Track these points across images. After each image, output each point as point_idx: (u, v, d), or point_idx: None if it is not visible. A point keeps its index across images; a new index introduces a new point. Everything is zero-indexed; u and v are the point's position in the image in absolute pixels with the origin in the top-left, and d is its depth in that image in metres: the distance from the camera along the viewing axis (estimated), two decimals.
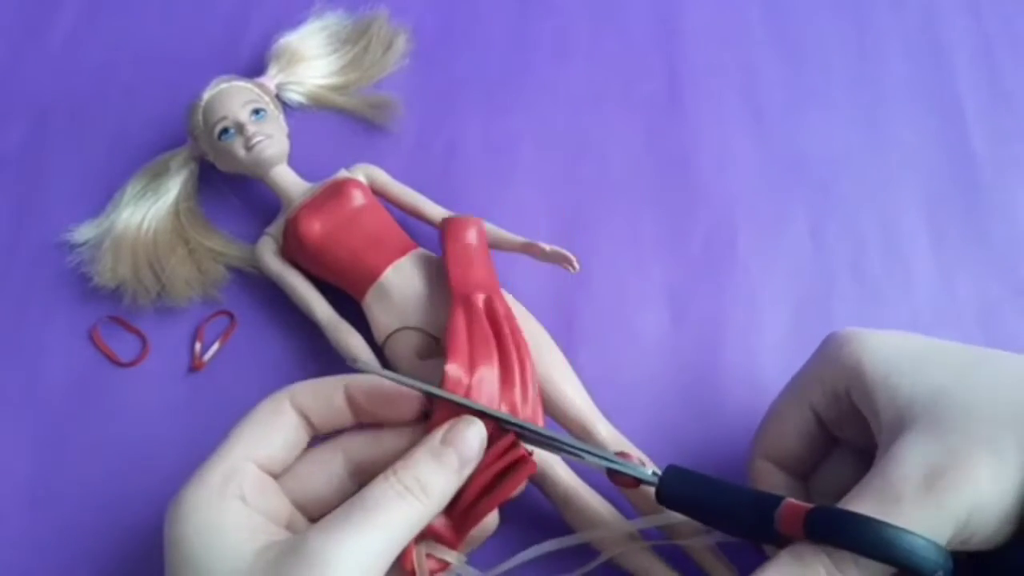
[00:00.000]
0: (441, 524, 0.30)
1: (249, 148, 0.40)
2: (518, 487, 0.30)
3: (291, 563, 0.25)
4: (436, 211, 0.41)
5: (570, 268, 0.38)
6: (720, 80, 0.47)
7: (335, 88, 0.46)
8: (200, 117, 0.41)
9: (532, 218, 0.43)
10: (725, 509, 0.29)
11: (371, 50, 0.47)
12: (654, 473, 0.30)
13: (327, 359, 0.39)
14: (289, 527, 0.29)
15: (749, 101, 0.47)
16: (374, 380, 0.30)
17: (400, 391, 0.30)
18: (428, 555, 0.30)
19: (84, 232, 0.42)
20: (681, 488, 0.30)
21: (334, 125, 0.46)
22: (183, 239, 0.42)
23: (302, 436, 0.30)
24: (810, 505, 0.27)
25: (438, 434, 0.29)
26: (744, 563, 0.34)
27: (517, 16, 0.49)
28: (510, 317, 0.36)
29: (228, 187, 0.43)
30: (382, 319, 0.37)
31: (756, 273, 0.42)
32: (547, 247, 0.38)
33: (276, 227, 0.40)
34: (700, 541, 0.33)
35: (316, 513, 0.30)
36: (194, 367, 0.40)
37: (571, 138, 0.46)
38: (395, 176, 0.42)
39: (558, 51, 0.48)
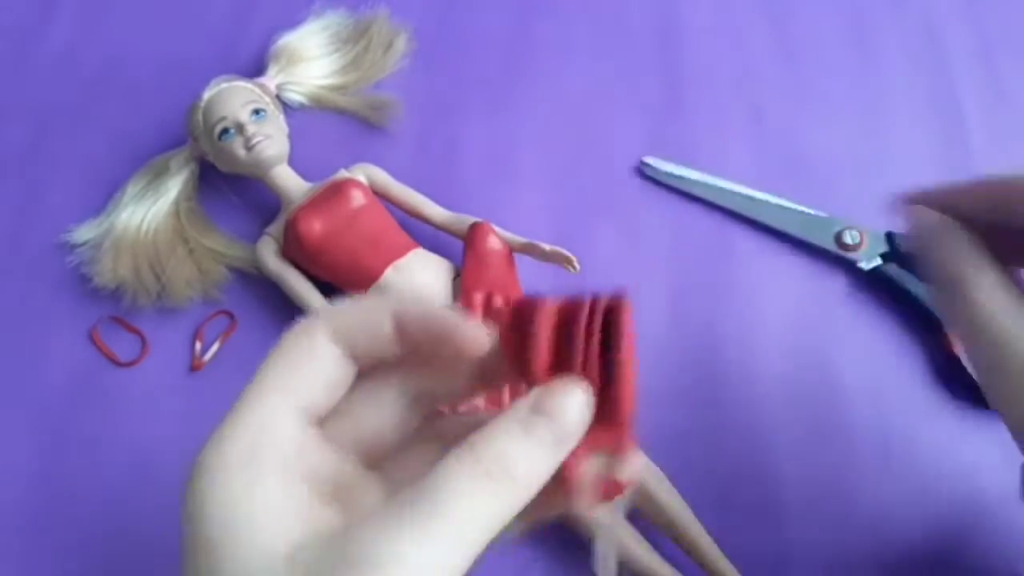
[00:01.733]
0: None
1: (249, 148, 0.40)
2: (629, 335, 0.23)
3: (335, 572, 0.19)
4: (436, 211, 0.41)
5: (570, 268, 0.38)
6: (720, 80, 0.47)
7: (335, 88, 0.46)
8: (200, 117, 0.41)
9: (532, 218, 0.43)
10: None
11: (371, 50, 0.47)
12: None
13: None
14: (339, 483, 0.23)
15: (749, 101, 0.46)
16: (428, 309, 0.23)
17: (466, 324, 0.23)
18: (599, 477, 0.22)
19: (84, 232, 0.42)
20: None
21: (334, 125, 0.46)
22: (183, 239, 0.42)
23: (346, 371, 0.23)
24: None
25: (527, 401, 0.21)
26: (745, 564, 0.34)
27: (517, 16, 0.49)
28: None
29: (228, 187, 0.43)
30: None
31: (756, 273, 0.42)
32: (547, 247, 0.38)
33: (276, 227, 0.40)
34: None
35: (374, 453, 0.24)
36: (194, 367, 0.40)
37: (571, 138, 0.46)
38: (395, 176, 0.42)
39: (558, 51, 0.48)
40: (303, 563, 0.19)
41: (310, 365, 0.23)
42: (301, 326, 0.23)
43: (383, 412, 0.24)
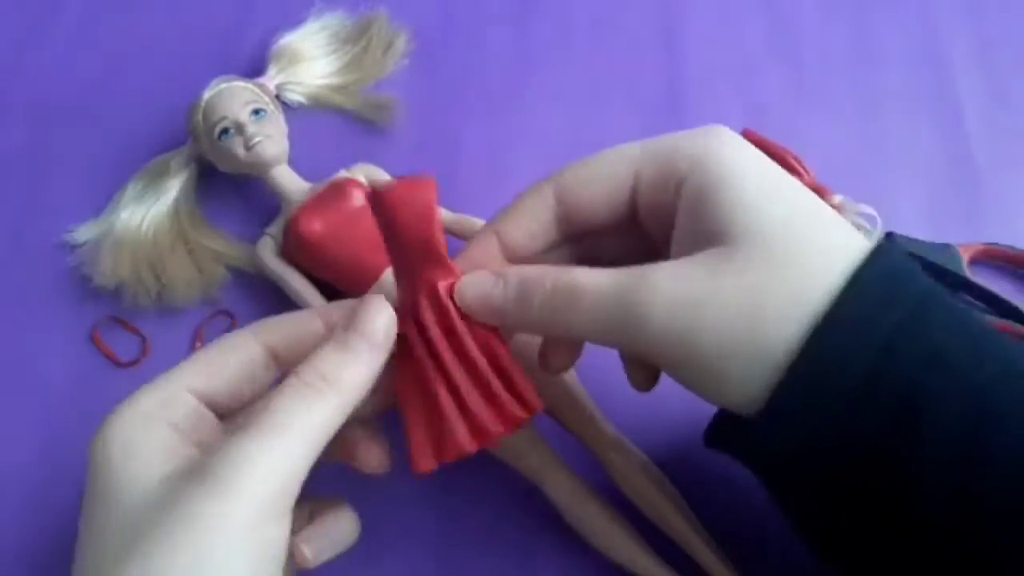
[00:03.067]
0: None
1: (249, 148, 0.40)
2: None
3: (192, 488, 0.23)
4: None
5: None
6: (720, 80, 0.47)
7: (335, 88, 0.46)
8: (200, 117, 0.41)
9: None
10: None
11: (371, 50, 0.47)
12: None
13: None
14: (207, 438, 0.27)
15: (749, 102, 0.46)
16: (349, 302, 0.29)
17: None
18: None
19: (84, 232, 0.42)
20: None
21: (334, 125, 0.46)
22: (183, 239, 0.42)
23: (263, 372, 0.28)
24: None
25: (341, 321, 0.27)
26: (748, 562, 0.34)
27: (517, 17, 0.49)
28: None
29: (228, 187, 0.43)
30: None
31: None
32: None
33: (276, 227, 0.40)
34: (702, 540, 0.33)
35: (230, 408, 0.28)
36: None
37: (571, 139, 0.46)
38: (395, 176, 0.42)
39: (558, 52, 0.48)
40: (168, 485, 0.24)
41: (227, 362, 0.27)
42: (235, 332, 0.28)
43: (244, 366, 0.28)
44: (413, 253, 0.28)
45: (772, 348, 0.24)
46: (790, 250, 0.25)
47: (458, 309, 0.28)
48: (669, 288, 0.25)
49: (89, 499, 0.25)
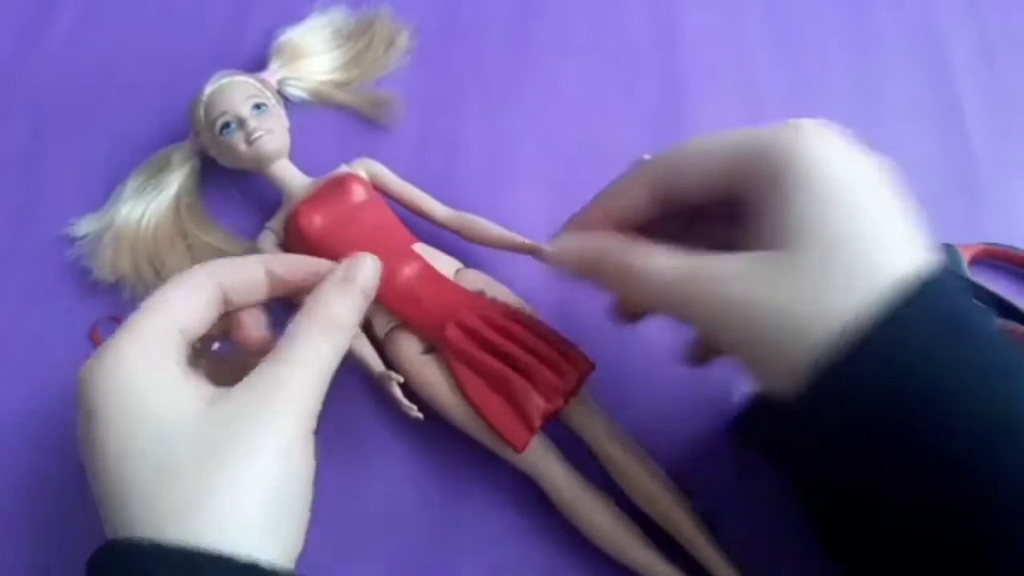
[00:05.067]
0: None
1: (250, 142, 0.40)
2: None
3: (252, 399, 0.27)
4: (437, 208, 0.41)
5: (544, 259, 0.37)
6: (720, 79, 0.47)
7: (336, 84, 0.46)
8: (201, 112, 0.41)
9: (532, 218, 0.43)
10: None
11: (373, 47, 0.47)
12: None
13: None
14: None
15: (749, 101, 0.47)
16: (292, 256, 0.33)
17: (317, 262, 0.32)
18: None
19: (85, 226, 0.42)
20: None
21: (335, 122, 0.46)
22: (182, 234, 0.42)
23: (217, 310, 0.31)
24: None
25: (339, 273, 0.31)
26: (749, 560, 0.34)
27: (518, 15, 0.50)
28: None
29: (230, 182, 0.43)
30: (383, 314, 0.37)
31: None
32: (521, 241, 0.39)
33: (277, 221, 0.40)
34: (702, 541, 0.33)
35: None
36: None
37: (571, 138, 0.46)
38: (395, 173, 0.42)
39: (559, 50, 0.48)
40: (223, 402, 0.27)
41: (196, 299, 0.30)
42: (191, 270, 0.30)
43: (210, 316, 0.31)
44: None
45: (803, 356, 0.25)
46: (838, 266, 0.25)
47: (499, 310, 0.36)
48: (724, 286, 0.27)
49: (110, 431, 0.27)
